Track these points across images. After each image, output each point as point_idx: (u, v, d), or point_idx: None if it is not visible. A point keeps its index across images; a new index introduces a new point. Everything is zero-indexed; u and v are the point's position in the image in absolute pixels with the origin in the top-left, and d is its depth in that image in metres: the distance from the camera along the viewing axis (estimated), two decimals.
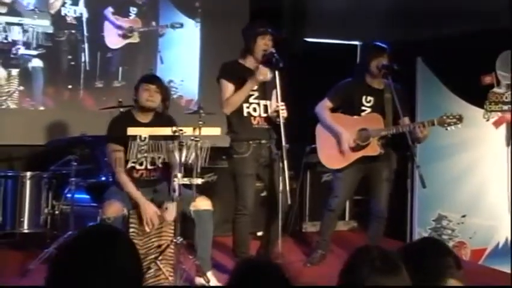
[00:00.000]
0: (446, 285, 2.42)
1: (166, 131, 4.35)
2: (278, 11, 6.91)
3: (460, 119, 4.83)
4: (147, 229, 4.39)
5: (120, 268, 1.69)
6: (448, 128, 4.85)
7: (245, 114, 4.72)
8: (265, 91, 4.75)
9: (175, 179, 4.26)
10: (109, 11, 6.47)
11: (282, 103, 4.61)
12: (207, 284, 4.40)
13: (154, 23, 6.68)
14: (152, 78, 4.74)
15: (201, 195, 4.53)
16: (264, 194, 5.15)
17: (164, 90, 4.73)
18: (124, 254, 1.73)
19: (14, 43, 6.07)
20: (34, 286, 4.30)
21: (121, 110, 5.33)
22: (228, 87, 4.70)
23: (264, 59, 4.66)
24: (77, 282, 1.64)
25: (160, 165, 4.58)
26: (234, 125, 4.75)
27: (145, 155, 4.53)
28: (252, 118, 4.74)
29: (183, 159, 4.26)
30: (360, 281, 1.92)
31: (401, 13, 6.22)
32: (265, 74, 4.63)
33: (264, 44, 4.66)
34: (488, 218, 5.54)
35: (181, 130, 4.30)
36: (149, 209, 4.40)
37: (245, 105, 4.72)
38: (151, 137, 4.51)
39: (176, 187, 4.28)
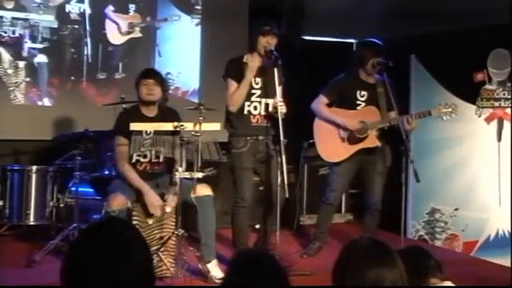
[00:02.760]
0: (443, 285, 2.70)
1: (168, 126, 4.44)
2: (277, 8, 6.92)
3: (455, 108, 4.90)
4: (155, 214, 4.47)
5: (134, 260, 1.71)
6: (444, 118, 4.89)
7: (245, 112, 4.77)
8: (267, 89, 4.79)
9: (176, 173, 4.34)
10: (109, 9, 6.57)
11: (281, 99, 4.67)
12: (208, 274, 4.48)
13: (149, 18, 6.78)
14: (149, 73, 4.77)
15: (200, 183, 4.59)
16: (262, 188, 5.16)
17: (163, 82, 4.76)
18: (138, 247, 1.76)
19: (21, 37, 6.19)
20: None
21: (124, 105, 5.40)
22: (234, 86, 4.75)
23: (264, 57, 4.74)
24: (92, 273, 1.66)
25: (163, 159, 4.65)
26: (233, 121, 4.80)
27: (150, 148, 4.60)
28: (252, 116, 4.79)
29: (184, 153, 4.35)
30: (354, 270, 2.00)
31: (396, 11, 6.25)
32: (251, 59, 4.71)
33: (265, 42, 4.69)
34: (480, 211, 5.61)
35: (182, 125, 4.38)
36: (152, 196, 4.49)
37: (246, 103, 4.76)
38: (156, 131, 4.57)
39: (178, 181, 4.34)
